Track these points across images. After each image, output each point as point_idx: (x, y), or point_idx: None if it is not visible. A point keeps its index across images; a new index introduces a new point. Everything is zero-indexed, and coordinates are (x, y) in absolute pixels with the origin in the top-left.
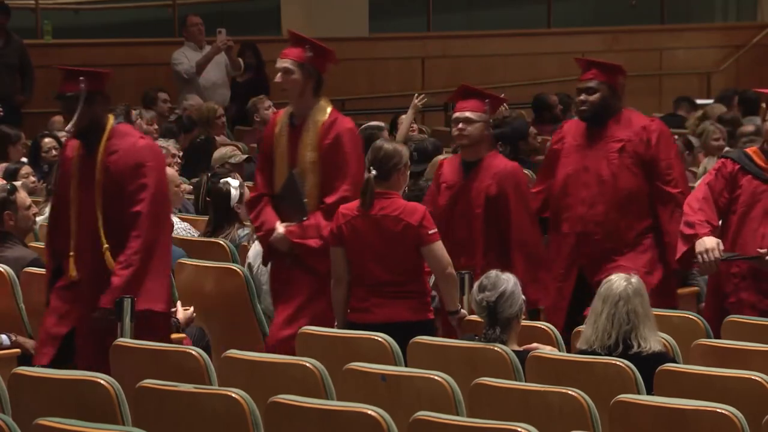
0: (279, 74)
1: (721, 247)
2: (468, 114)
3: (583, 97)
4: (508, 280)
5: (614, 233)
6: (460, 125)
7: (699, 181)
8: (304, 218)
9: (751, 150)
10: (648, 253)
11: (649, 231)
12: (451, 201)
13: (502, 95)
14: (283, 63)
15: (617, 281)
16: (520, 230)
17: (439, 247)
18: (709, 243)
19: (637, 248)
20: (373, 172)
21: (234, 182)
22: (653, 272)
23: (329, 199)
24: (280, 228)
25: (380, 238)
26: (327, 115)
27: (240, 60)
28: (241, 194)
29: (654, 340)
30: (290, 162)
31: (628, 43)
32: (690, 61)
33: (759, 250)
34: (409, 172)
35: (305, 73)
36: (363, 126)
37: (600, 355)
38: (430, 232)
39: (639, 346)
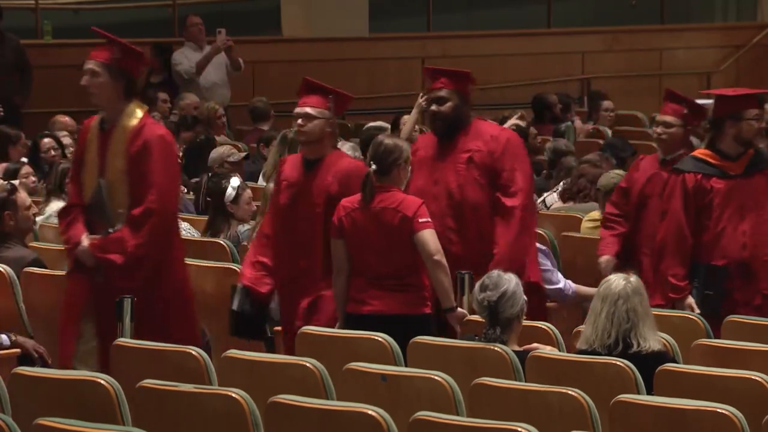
0: (84, 77)
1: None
2: (308, 110)
3: (434, 108)
4: (510, 280)
5: (462, 248)
6: (300, 121)
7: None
8: (111, 230)
9: (700, 153)
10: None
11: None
12: (292, 200)
13: (350, 94)
14: (88, 65)
15: (616, 280)
16: None
17: (429, 234)
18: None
19: (484, 264)
20: (373, 166)
21: (235, 182)
22: None
23: (135, 211)
24: (85, 241)
25: (379, 230)
26: (137, 121)
27: (240, 60)
28: (238, 194)
29: (654, 339)
30: (100, 170)
31: (628, 43)
32: (690, 61)
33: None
34: (410, 167)
35: (113, 75)
36: (366, 126)
37: (600, 354)
38: (420, 220)
39: (639, 344)
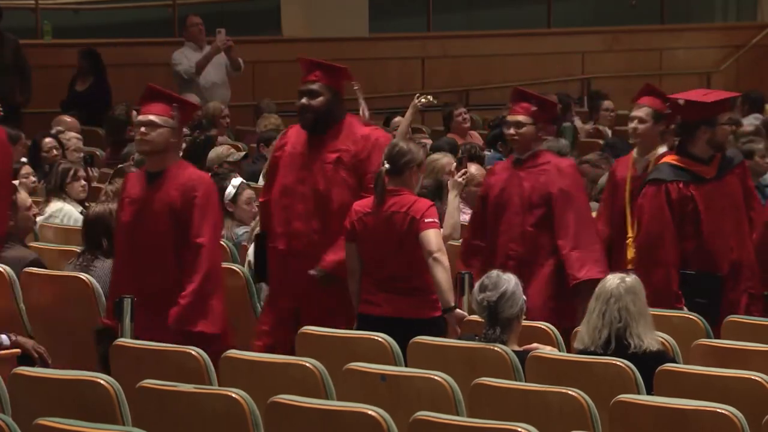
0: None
1: None
2: (152, 117)
3: (305, 101)
4: (509, 281)
5: (328, 248)
6: (142, 129)
7: None
8: None
9: (673, 159)
10: None
11: None
12: (134, 217)
13: (196, 102)
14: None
15: (611, 280)
16: (205, 250)
17: (432, 233)
18: None
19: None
20: (386, 166)
21: (236, 181)
22: None
23: None
24: None
25: (388, 234)
26: None
27: (240, 60)
28: (237, 193)
29: (651, 339)
30: None
31: (628, 43)
32: (690, 61)
33: None
34: (423, 172)
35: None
36: None
37: (595, 353)
38: (426, 220)
39: (634, 344)
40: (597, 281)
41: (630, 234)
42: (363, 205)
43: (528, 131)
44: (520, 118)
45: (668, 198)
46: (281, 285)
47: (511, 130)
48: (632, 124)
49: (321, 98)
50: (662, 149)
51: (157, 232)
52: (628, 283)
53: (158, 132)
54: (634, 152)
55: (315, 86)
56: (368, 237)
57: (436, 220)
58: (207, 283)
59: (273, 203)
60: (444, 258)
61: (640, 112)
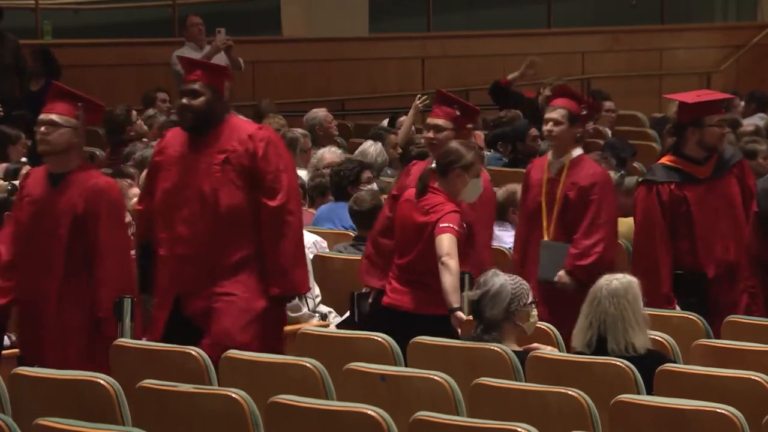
0: None
1: None
2: (54, 117)
3: (185, 101)
4: (496, 282)
5: (216, 255)
6: (43, 129)
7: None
8: None
9: (667, 160)
10: (253, 278)
11: (258, 254)
12: (35, 218)
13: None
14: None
15: (602, 281)
16: (108, 257)
17: (446, 237)
18: None
19: (240, 272)
20: (433, 164)
21: None
22: (256, 299)
23: None
24: None
25: (412, 227)
26: None
27: (240, 60)
28: None
29: (639, 339)
30: None
31: (628, 43)
32: (690, 61)
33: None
34: (467, 175)
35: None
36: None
37: (584, 354)
38: (442, 225)
39: (612, 348)
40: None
41: (545, 237)
42: (410, 192)
43: (447, 136)
44: (440, 122)
45: (659, 199)
46: (167, 292)
47: (430, 134)
48: (546, 126)
49: (202, 98)
50: (578, 151)
51: (54, 236)
52: (613, 286)
53: (59, 132)
54: (549, 155)
55: (196, 86)
56: (399, 222)
57: (452, 225)
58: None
59: (156, 209)
60: (452, 262)
61: (555, 113)
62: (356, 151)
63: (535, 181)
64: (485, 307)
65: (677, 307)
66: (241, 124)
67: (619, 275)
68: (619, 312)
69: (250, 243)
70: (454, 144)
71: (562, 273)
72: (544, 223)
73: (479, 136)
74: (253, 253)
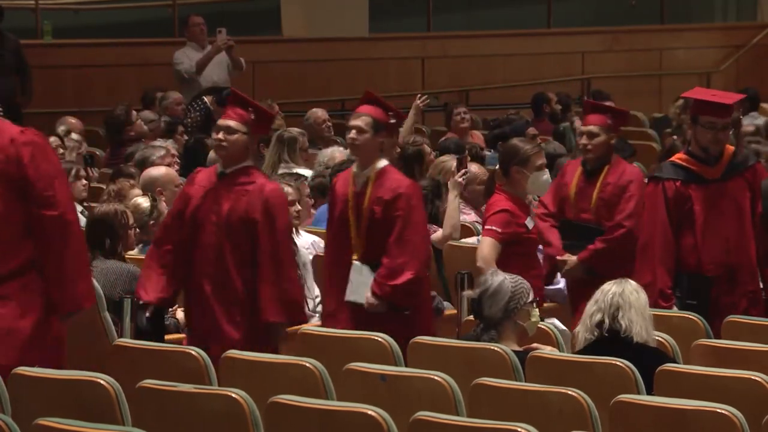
0: None
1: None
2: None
3: None
4: (495, 280)
5: None
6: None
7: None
8: None
9: (678, 158)
10: (25, 295)
11: (30, 268)
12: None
13: None
14: None
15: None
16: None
17: (486, 241)
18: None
19: (7, 289)
20: (497, 166)
21: None
22: (25, 317)
23: None
24: None
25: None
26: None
27: (242, 60)
28: None
29: (647, 334)
30: None
31: (628, 43)
32: (690, 61)
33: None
34: (526, 170)
35: None
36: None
37: (590, 340)
38: (486, 226)
39: (626, 327)
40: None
41: (355, 256)
42: None
43: (238, 140)
44: (232, 123)
45: (665, 195)
46: None
47: (221, 135)
48: (350, 135)
49: None
50: (382, 163)
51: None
52: (627, 287)
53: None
54: (354, 167)
55: None
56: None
57: (496, 228)
58: None
59: None
60: (484, 266)
61: (359, 121)
62: None
63: (341, 195)
64: (484, 306)
65: (674, 307)
66: (7, 127)
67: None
68: (631, 300)
69: (19, 258)
70: (514, 141)
71: (368, 295)
72: (353, 241)
73: (477, 135)
74: (26, 270)
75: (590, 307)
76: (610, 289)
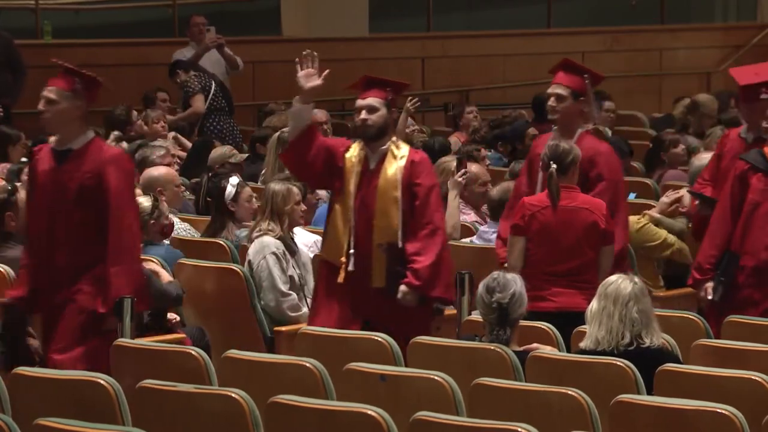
0: None
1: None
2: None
3: None
4: (515, 282)
5: None
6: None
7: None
8: None
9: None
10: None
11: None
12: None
13: None
14: None
15: (623, 281)
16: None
17: (611, 249)
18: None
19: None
20: (554, 166)
21: (234, 180)
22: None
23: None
24: None
25: (567, 229)
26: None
27: (237, 58)
28: (237, 192)
29: (658, 337)
30: None
31: (628, 43)
32: (690, 61)
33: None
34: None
35: None
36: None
37: (612, 354)
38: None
39: (650, 342)
40: None
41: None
42: (537, 200)
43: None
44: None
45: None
46: None
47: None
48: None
49: None
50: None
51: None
52: (640, 285)
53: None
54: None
55: None
56: (543, 232)
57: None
58: None
59: None
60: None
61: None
62: None
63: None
64: (514, 309)
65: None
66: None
67: (623, 275)
68: (651, 309)
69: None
70: (564, 143)
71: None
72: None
73: (461, 135)
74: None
75: (617, 323)
76: (630, 299)
